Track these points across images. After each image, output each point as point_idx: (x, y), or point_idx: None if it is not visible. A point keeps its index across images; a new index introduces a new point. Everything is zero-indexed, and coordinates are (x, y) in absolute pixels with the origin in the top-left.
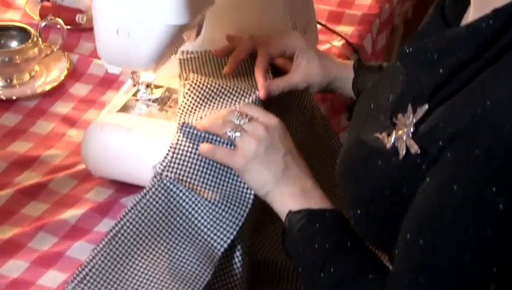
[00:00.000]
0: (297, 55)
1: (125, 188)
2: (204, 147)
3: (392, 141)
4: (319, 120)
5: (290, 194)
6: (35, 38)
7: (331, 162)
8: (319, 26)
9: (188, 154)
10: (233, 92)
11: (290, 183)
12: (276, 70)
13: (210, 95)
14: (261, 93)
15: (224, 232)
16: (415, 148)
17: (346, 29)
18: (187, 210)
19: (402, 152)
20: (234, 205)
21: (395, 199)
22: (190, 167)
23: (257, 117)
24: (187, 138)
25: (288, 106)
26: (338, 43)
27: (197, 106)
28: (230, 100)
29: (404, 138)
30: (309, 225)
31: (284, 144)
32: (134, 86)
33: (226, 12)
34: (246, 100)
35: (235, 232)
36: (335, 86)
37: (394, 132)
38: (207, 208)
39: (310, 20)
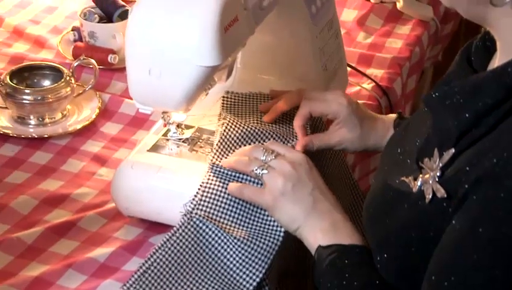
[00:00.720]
0: (339, 122)
1: (155, 227)
2: (232, 186)
3: (419, 184)
4: (344, 170)
5: (320, 229)
6: (67, 78)
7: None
8: (349, 68)
9: (218, 192)
10: (269, 138)
11: (319, 218)
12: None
13: (244, 139)
14: (297, 148)
15: (253, 270)
16: (441, 192)
17: (376, 72)
18: (216, 248)
19: (428, 196)
20: (264, 244)
21: (422, 242)
22: (220, 206)
23: (283, 153)
24: (217, 177)
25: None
26: (368, 85)
27: (231, 147)
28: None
29: (431, 181)
30: (338, 260)
31: (311, 179)
32: (165, 126)
33: (257, 54)
34: None
35: (264, 270)
36: (372, 149)
37: (420, 175)
38: (236, 246)
39: (340, 62)
